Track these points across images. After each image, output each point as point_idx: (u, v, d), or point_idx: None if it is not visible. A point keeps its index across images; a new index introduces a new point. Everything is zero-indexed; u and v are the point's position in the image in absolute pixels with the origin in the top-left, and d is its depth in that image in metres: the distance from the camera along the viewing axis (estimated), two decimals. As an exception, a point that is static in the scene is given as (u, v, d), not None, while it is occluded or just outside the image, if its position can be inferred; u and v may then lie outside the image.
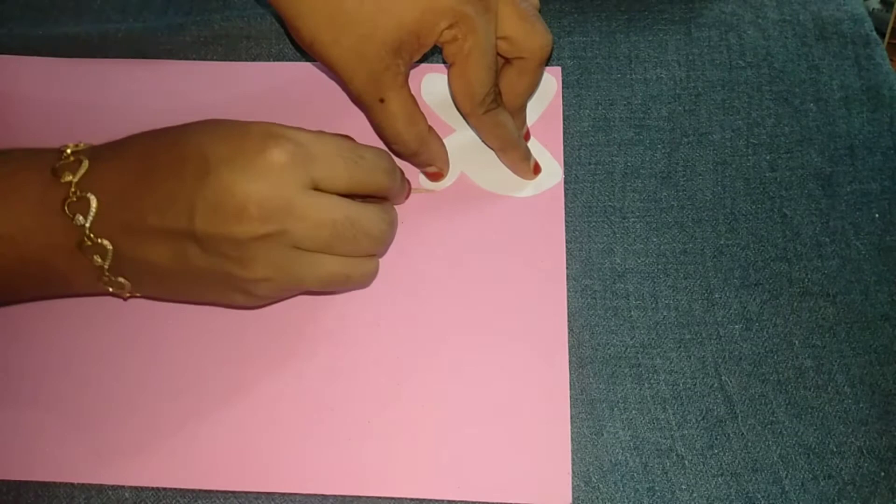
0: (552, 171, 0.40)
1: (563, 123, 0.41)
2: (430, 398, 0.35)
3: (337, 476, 0.33)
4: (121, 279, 0.32)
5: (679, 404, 0.35)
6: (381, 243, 0.34)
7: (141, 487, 0.33)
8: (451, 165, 0.39)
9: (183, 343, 0.36)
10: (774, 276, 0.38)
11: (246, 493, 0.33)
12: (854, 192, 0.39)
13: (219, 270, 0.31)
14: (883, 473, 0.34)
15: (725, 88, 0.42)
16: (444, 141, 0.39)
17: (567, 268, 0.37)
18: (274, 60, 0.43)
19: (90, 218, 0.30)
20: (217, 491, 0.33)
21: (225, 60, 0.43)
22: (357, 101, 0.35)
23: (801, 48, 0.43)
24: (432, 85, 0.42)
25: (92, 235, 0.30)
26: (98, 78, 0.42)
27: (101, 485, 0.33)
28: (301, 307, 0.36)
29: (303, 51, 0.43)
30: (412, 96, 0.35)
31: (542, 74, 0.37)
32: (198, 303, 0.36)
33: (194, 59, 0.43)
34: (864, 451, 0.34)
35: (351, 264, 0.33)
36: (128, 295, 0.34)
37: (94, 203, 0.30)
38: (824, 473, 0.34)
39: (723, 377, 0.36)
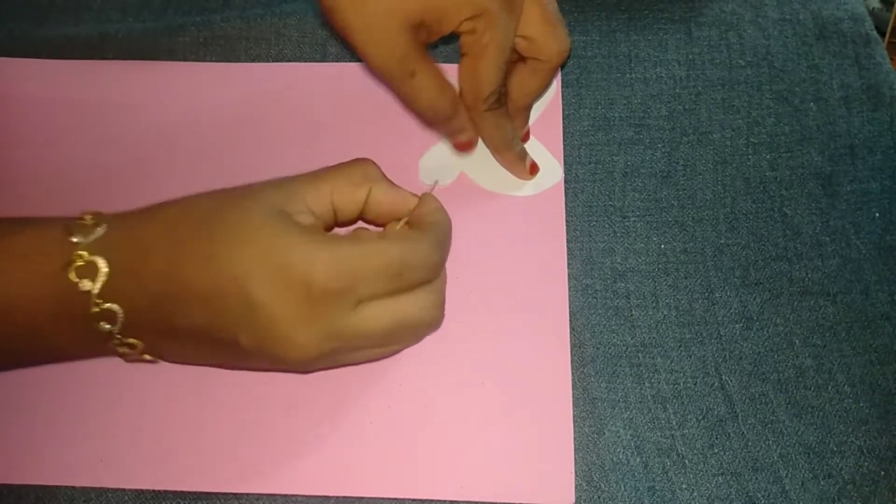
0: (552, 170, 0.40)
1: (563, 123, 0.41)
2: (431, 398, 0.35)
3: (339, 477, 0.33)
4: (146, 356, 0.32)
5: (680, 403, 0.35)
6: (431, 329, 0.34)
7: (142, 490, 0.33)
8: (450, 165, 0.40)
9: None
10: (775, 275, 0.38)
11: (247, 494, 0.33)
12: (854, 192, 0.39)
13: (270, 365, 0.33)
14: (883, 473, 0.34)
15: (725, 87, 0.42)
16: (444, 141, 0.40)
17: (568, 267, 0.37)
18: (273, 61, 0.43)
19: (118, 325, 0.30)
20: (218, 493, 0.33)
21: (224, 61, 0.43)
22: (383, 75, 0.34)
23: (801, 47, 0.43)
24: None
25: (120, 337, 0.30)
26: (98, 79, 0.42)
27: (101, 488, 0.33)
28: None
29: (292, 54, 0.43)
30: (437, 66, 0.34)
31: (554, 78, 0.37)
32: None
33: (193, 59, 0.43)
34: (865, 451, 0.34)
35: (402, 346, 0.35)
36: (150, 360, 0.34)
37: (120, 313, 0.29)
38: (824, 473, 0.34)
39: (723, 376, 0.36)
